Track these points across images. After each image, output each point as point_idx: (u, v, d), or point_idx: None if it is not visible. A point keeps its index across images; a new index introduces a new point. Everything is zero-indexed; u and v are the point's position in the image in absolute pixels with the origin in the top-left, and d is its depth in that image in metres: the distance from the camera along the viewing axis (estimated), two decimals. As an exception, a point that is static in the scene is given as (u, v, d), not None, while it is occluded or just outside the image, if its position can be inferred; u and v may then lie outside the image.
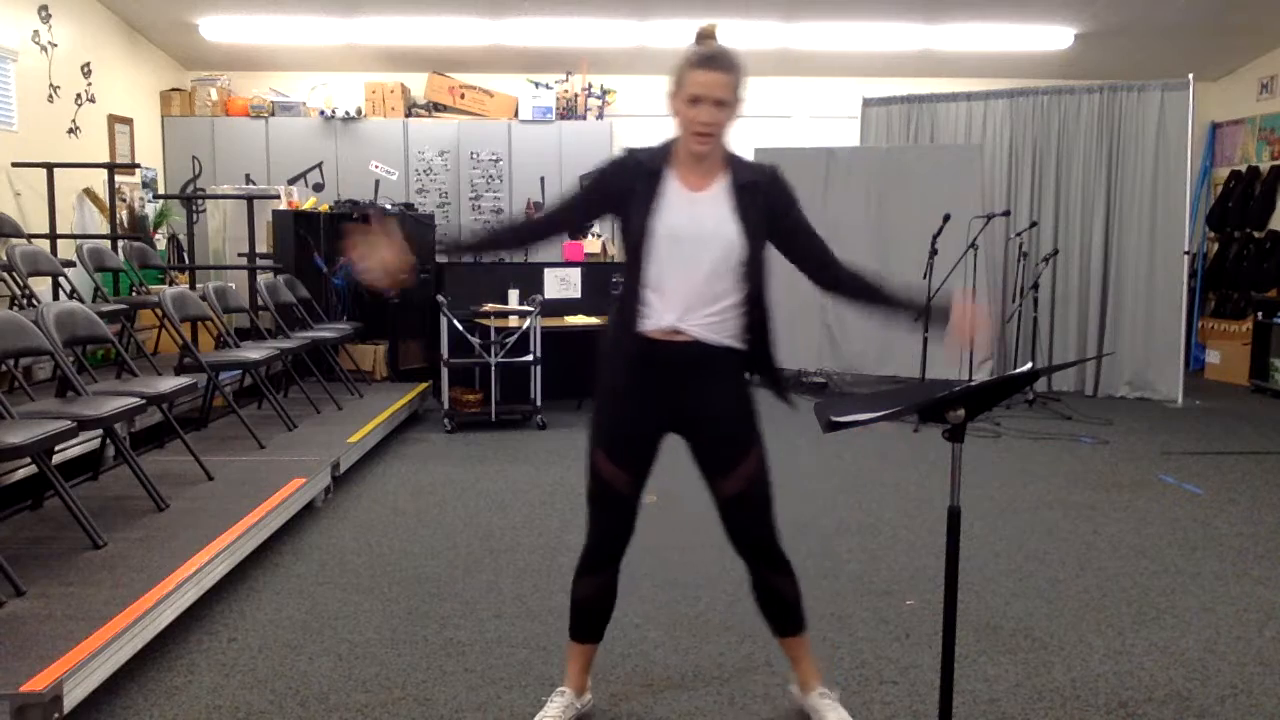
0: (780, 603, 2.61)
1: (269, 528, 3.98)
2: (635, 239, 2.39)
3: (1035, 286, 7.66)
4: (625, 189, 2.42)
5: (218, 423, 5.68)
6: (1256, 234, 9.13)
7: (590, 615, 2.62)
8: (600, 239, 8.82)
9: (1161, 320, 7.70)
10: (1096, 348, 8.01)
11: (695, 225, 2.37)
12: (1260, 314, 8.41)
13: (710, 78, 2.29)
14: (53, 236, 6.55)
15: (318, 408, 6.13)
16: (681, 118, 2.35)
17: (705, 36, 2.39)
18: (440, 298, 6.62)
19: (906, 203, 7.74)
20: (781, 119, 9.69)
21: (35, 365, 5.48)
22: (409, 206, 7.85)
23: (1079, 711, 2.75)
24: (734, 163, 2.45)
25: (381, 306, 7.56)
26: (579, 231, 2.60)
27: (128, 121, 8.27)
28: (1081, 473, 5.50)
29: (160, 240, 8.21)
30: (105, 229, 7.25)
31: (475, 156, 9.01)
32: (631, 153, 2.46)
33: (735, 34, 8.48)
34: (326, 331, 6.68)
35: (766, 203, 2.42)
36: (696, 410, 2.46)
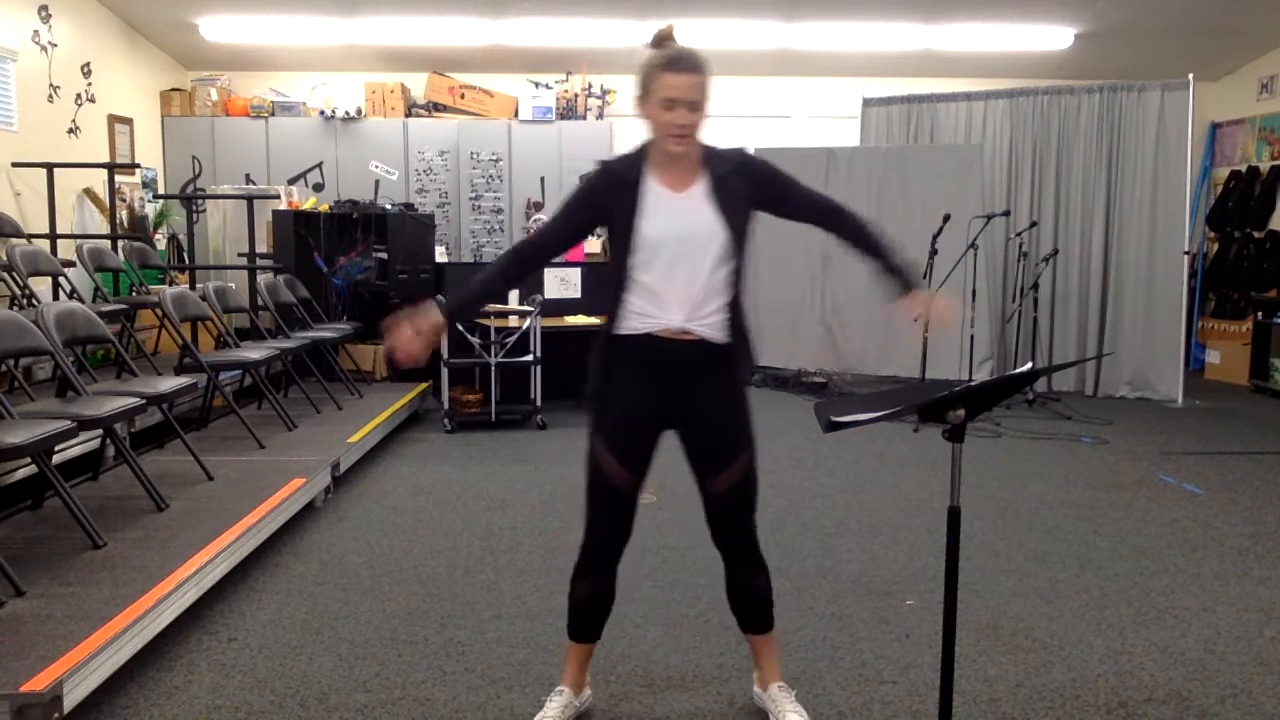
0: (753, 600, 2.63)
1: (269, 528, 3.98)
2: (625, 247, 2.41)
3: (1035, 286, 7.66)
4: (608, 202, 2.44)
5: (218, 423, 5.68)
6: (1256, 234, 9.13)
7: (589, 616, 2.62)
8: (600, 239, 8.82)
9: (1161, 320, 7.71)
10: (1096, 348, 8.01)
11: (685, 226, 2.39)
12: (1260, 314, 8.41)
13: (683, 80, 2.30)
14: (53, 236, 6.55)
15: (318, 408, 6.13)
16: (656, 122, 2.35)
17: (665, 38, 2.39)
18: (440, 298, 6.61)
19: (906, 203, 7.74)
20: (781, 119, 9.70)
21: (35, 365, 5.49)
22: (409, 206, 7.85)
23: (1079, 711, 2.75)
24: (708, 158, 2.45)
25: (382, 306, 7.56)
26: (581, 232, 2.57)
27: (128, 121, 8.27)
28: (1081, 473, 5.50)
29: (160, 240, 8.21)
30: (105, 229, 7.26)
31: (475, 156, 9.01)
32: (605, 165, 2.47)
33: (735, 34, 8.50)
34: (326, 331, 6.67)
35: (745, 188, 2.44)
36: (696, 407, 2.48)
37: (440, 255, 8.26)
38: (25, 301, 5.48)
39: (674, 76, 2.30)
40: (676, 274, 2.40)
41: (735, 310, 2.47)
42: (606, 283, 2.52)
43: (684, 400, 2.48)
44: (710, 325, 2.44)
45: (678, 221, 2.39)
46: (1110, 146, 7.91)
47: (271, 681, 2.90)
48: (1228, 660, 3.09)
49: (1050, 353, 8.05)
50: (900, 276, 2.56)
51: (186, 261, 7.86)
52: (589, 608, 2.61)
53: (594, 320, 7.25)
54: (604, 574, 2.58)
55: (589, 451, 2.52)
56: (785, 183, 2.51)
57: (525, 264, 2.59)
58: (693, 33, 8.48)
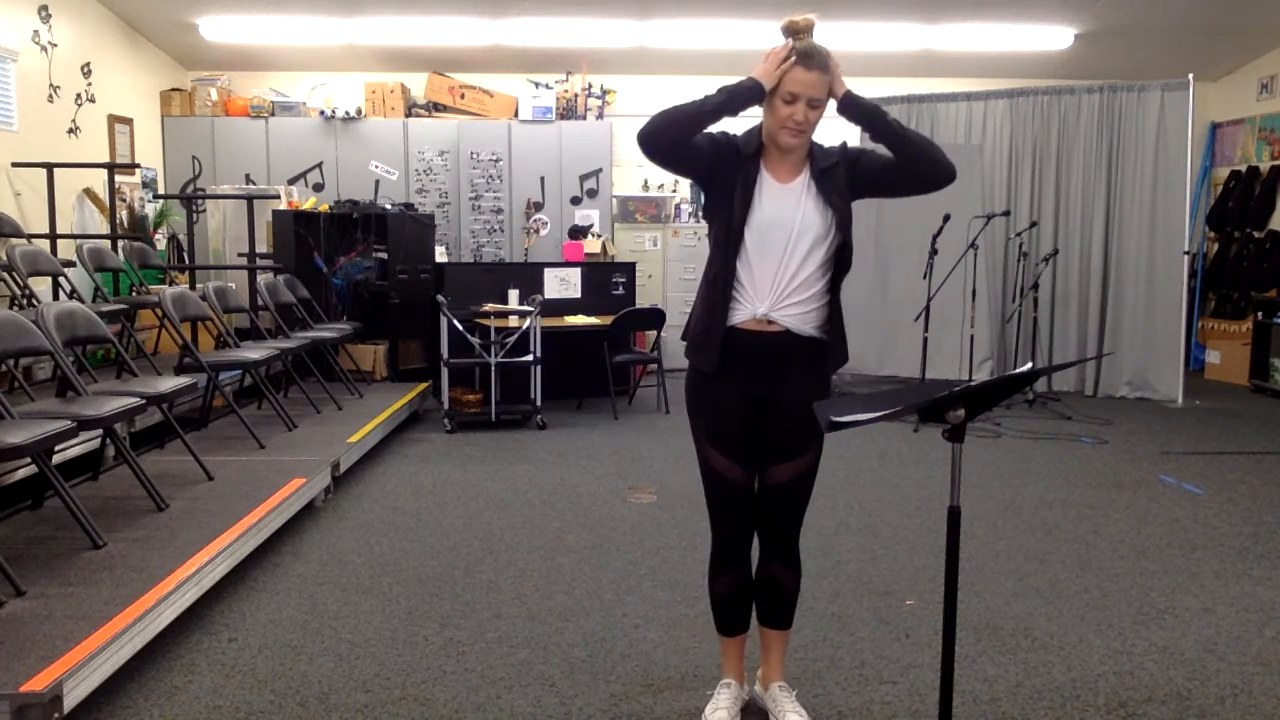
0: (780, 594, 2.63)
1: (269, 528, 3.98)
2: (733, 229, 2.38)
3: (1035, 286, 7.66)
4: (729, 169, 2.39)
5: (218, 423, 5.68)
6: (1256, 234, 9.13)
7: (733, 609, 2.65)
8: (600, 239, 8.83)
9: (1161, 320, 7.70)
10: (1096, 348, 8.01)
11: (787, 216, 2.38)
12: (1260, 314, 8.41)
13: (810, 77, 2.29)
14: (53, 236, 6.55)
15: (318, 408, 6.13)
16: (774, 113, 2.34)
17: (802, 30, 2.33)
18: (440, 298, 6.62)
19: (906, 203, 7.69)
20: (781, 119, 9.68)
21: (35, 365, 5.49)
22: (409, 206, 7.85)
23: (1079, 711, 2.75)
24: (814, 152, 2.45)
25: (382, 306, 7.56)
26: (691, 161, 2.42)
27: (128, 121, 8.27)
28: (1081, 473, 5.50)
29: (160, 240, 8.21)
30: (105, 229, 7.25)
31: (475, 156, 9.01)
32: (728, 137, 2.43)
33: (735, 34, 8.49)
34: (326, 331, 6.67)
35: (846, 176, 2.42)
36: (777, 395, 2.46)
37: (440, 255, 8.27)
38: (25, 301, 5.48)
39: (803, 72, 2.29)
40: (767, 263, 2.38)
41: (830, 305, 2.45)
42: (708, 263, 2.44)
43: (765, 388, 2.46)
44: (796, 317, 2.42)
45: (779, 210, 2.38)
46: (1110, 146, 7.91)
47: (271, 681, 2.90)
48: (1228, 660, 3.09)
49: (1050, 353, 8.06)
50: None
51: (186, 261, 7.86)
52: (732, 601, 2.64)
53: (594, 320, 7.25)
54: (740, 565, 2.61)
55: (700, 453, 2.54)
56: (871, 158, 2.46)
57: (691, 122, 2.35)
58: (693, 33, 8.49)
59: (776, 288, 2.39)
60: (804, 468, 2.51)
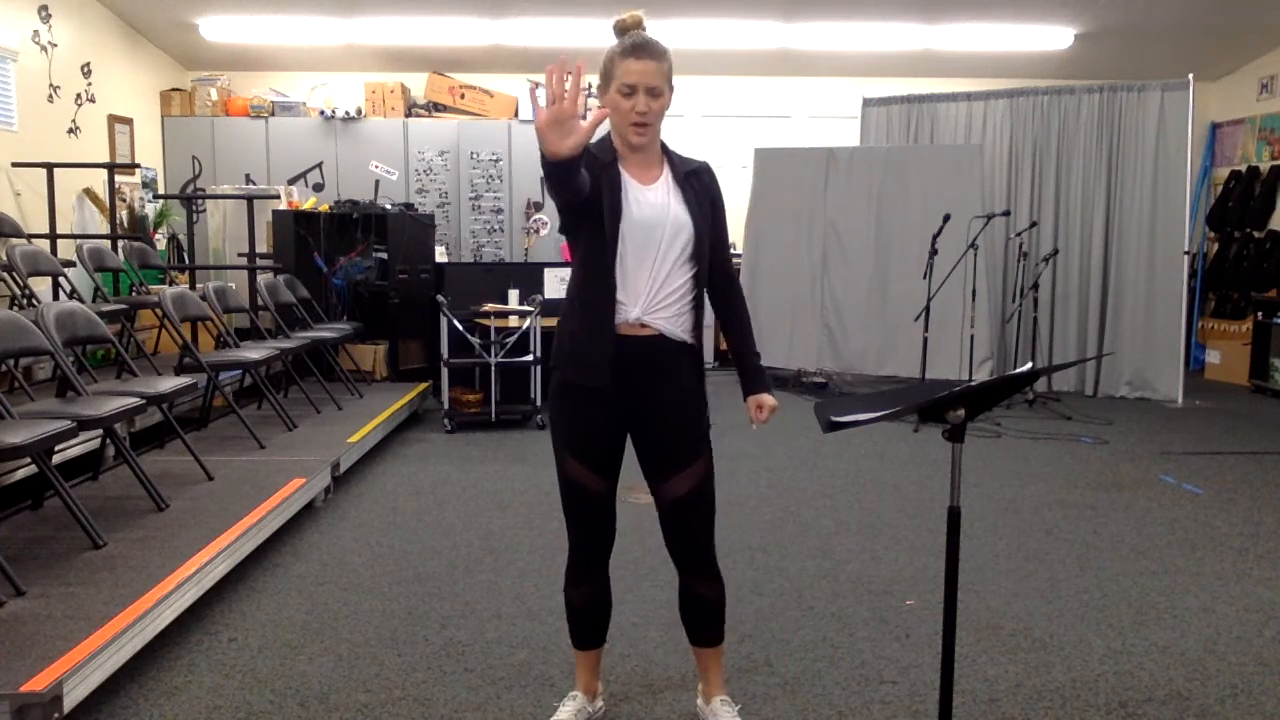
0: (707, 612, 2.54)
1: (269, 528, 3.98)
2: (608, 233, 2.31)
3: (1035, 286, 7.66)
4: (596, 180, 2.31)
5: (218, 423, 5.68)
6: (1256, 234, 9.13)
7: (589, 622, 2.59)
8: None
9: (1161, 320, 7.71)
10: (1096, 348, 8.01)
11: (654, 217, 2.34)
12: (1260, 314, 8.41)
13: (643, 66, 2.27)
14: (53, 236, 6.55)
15: (318, 408, 6.13)
16: (615, 110, 2.32)
17: (630, 27, 2.36)
18: (440, 298, 6.62)
19: (906, 203, 7.74)
20: (781, 119, 9.70)
21: (35, 365, 5.49)
22: (409, 206, 7.85)
23: (1079, 711, 2.75)
24: (670, 155, 2.44)
25: (382, 306, 7.57)
26: (579, 203, 2.35)
27: (128, 121, 8.27)
28: (1081, 473, 5.50)
29: (160, 240, 8.21)
30: (105, 229, 7.26)
31: (475, 156, 9.01)
32: (588, 150, 2.33)
33: (735, 34, 8.50)
34: (326, 331, 6.67)
35: (705, 192, 2.42)
36: (653, 407, 2.40)
37: (440, 255, 8.26)
38: (25, 301, 5.48)
39: (635, 62, 2.27)
40: (638, 266, 2.33)
41: (696, 308, 2.42)
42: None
43: (640, 399, 2.39)
44: (668, 320, 2.37)
45: (645, 212, 2.34)
46: (1110, 146, 7.91)
47: (271, 681, 2.90)
48: (1228, 660, 3.09)
49: (1050, 353, 8.06)
50: (751, 379, 2.51)
51: (186, 261, 7.86)
52: (588, 613, 2.58)
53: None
54: (596, 578, 2.54)
55: (557, 459, 2.46)
56: (720, 219, 2.47)
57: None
58: (693, 33, 8.49)
59: (650, 290, 2.34)
60: (701, 473, 2.42)
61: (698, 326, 2.44)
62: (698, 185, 2.42)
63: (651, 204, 2.36)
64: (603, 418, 2.40)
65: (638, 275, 2.34)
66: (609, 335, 2.33)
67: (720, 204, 2.49)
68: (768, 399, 2.50)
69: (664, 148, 2.44)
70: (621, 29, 2.37)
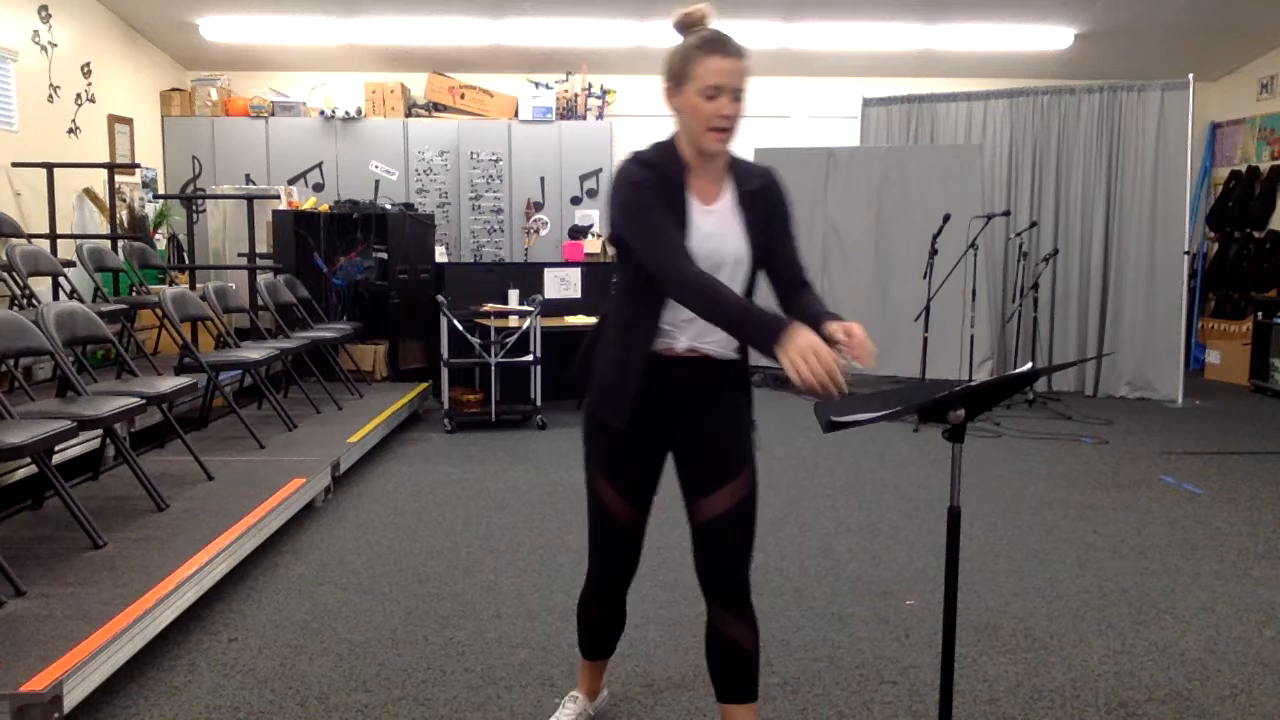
0: (742, 660, 2.20)
1: (269, 528, 3.98)
2: None
3: (1035, 286, 7.66)
4: (662, 205, 2.09)
5: (218, 423, 5.68)
6: (1256, 234, 9.13)
7: (601, 638, 2.53)
8: (600, 239, 8.83)
9: (1161, 320, 7.71)
10: (1096, 348, 8.01)
11: (714, 244, 2.11)
12: (1260, 314, 8.41)
13: (730, 64, 2.03)
14: (53, 236, 6.55)
15: (318, 408, 6.13)
16: (694, 114, 2.05)
17: (697, 22, 2.11)
18: (440, 298, 6.62)
19: (906, 203, 7.74)
20: (781, 119, 9.69)
21: (35, 365, 5.48)
22: (409, 206, 7.85)
23: (1079, 711, 2.75)
24: (736, 166, 2.19)
25: (382, 306, 7.57)
26: None
27: (128, 121, 8.27)
28: (1081, 473, 5.50)
29: (160, 240, 8.21)
30: (105, 229, 7.26)
31: (475, 156, 9.01)
32: (641, 162, 2.12)
33: (735, 34, 8.48)
34: (326, 331, 6.67)
35: (766, 209, 2.19)
36: (698, 424, 2.21)
37: (440, 255, 8.27)
38: (25, 301, 5.48)
39: (720, 60, 2.03)
40: None
41: None
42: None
43: (684, 418, 2.21)
44: (718, 342, 2.17)
45: (706, 238, 2.09)
46: (1110, 146, 7.91)
47: (271, 681, 2.90)
48: (1228, 660, 3.09)
49: (1050, 353, 8.06)
50: (824, 314, 2.17)
51: (186, 261, 7.86)
52: (599, 634, 2.51)
53: (594, 320, 7.23)
54: (611, 607, 2.46)
55: (589, 482, 2.30)
56: (788, 226, 2.23)
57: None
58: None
59: (702, 322, 2.11)
60: (744, 490, 2.17)
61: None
62: (760, 204, 2.17)
63: (709, 234, 2.11)
64: (639, 443, 2.23)
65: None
66: (637, 367, 2.14)
67: (788, 215, 2.23)
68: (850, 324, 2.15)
69: (732, 159, 2.19)
70: (688, 23, 2.12)
